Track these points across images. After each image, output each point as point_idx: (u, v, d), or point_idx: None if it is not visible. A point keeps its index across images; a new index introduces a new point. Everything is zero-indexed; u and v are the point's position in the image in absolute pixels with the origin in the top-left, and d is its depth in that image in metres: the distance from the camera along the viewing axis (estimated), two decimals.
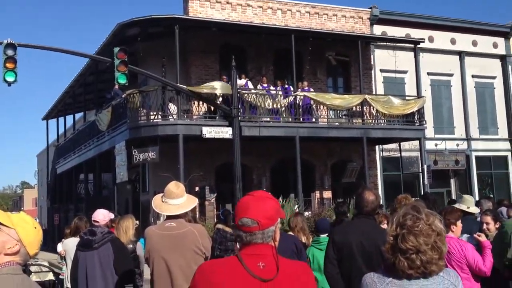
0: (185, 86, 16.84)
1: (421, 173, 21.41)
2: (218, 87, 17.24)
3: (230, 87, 16.48)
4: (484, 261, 5.06)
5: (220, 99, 17.58)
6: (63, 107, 29.18)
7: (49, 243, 24.77)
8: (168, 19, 17.71)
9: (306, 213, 16.35)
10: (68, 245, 7.18)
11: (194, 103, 18.01)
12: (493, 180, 25.92)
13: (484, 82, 26.24)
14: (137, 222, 7.72)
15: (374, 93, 22.29)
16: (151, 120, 17.27)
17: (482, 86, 26.16)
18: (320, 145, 20.68)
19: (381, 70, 23.51)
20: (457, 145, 24.63)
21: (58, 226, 27.95)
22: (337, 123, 20.13)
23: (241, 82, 18.29)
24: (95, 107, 23.47)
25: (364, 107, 19.93)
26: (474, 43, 25.76)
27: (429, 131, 23.45)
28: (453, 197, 22.53)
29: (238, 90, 16.80)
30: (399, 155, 22.03)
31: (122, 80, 13.70)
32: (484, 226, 6.42)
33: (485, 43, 25.99)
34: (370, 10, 23.38)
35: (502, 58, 26.68)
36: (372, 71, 23.21)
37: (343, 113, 20.45)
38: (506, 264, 6.04)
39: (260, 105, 18.13)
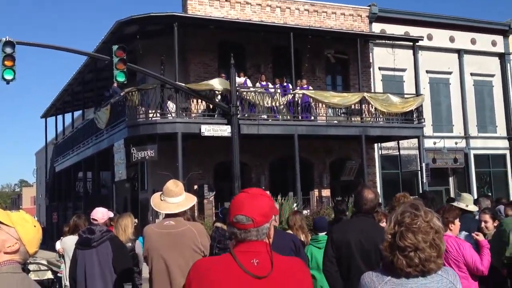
0: (184, 84, 16.83)
1: (419, 171, 21.44)
2: (216, 84, 17.24)
3: (229, 84, 16.47)
4: (482, 260, 5.07)
5: (219, 97, 17.58)
6: (62, 105, 29.16)
7: (47, 241, 24.74)
8: (166, 17, 17.70)
9: (305, 212, 16.35)
10: (67, 243, 7.18)
11: (192, 101, 18.00)
12: (492, 178, 25.95)
13: (483, 80, 26.26)
14: (136, 220, 7.72)
15: (373, 91, 22.29)
16: (150, 118, 17.27)
17: (481, 84, 26.18)
18: (319, 143, 20.69)
19: (380, 68, 23.52)
20: (456, 143, 24.65)
21: (56, 224, 27.94)
22: (335, 121, 20.14)
23: (240, 80, 18.28)
24: (93, 105, 23.46)
25: (363, 105, 19.94)
26: (473, 41, 25.77)
27: (428, 129, 23.47)
28: (452, 195, 22.57)
29: (237, 88, 16.80)
30: (398, 153, 22.05)
31: (121, 78, 13.70)
32: (483, 224, 6.43)
33: (483, 41, 26.00)
34: (369, 8, 23.38)
35: (501, 56, 26.70)
36: (371, 69, 23.22)
37: (341, 111, 20.47)
38: (504, 263, 6.05)
39: (259, 103, 18.14)
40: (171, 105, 17.24)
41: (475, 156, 25.46)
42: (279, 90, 19.02)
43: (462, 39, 25.43)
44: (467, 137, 25.20)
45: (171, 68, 17.27)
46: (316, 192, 21.33)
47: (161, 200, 4.60)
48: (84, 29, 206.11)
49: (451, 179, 25.01)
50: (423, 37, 22.73)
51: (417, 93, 21.33)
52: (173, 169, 15.84)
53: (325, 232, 6.50)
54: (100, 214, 5.98)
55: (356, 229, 4.45)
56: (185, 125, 16.94)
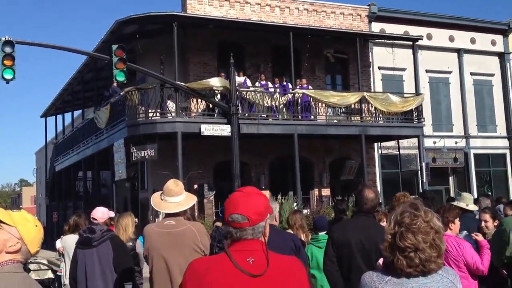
0: (183, 84, 16.83)
1: (419, 171, 21.45)
2: (216, 83, 17.24)
3: (228, 83, 16.47)
4: (482, 260, 5.07)
5: (219, 96, 17.58)
6: (62, 104, 29.15)
7: (47, 241, 24.73)
8: (166, 16, 17.69)
9: (305, 211, 16.34)
10: (67, 242, 7.18)
11: (192, 100, 18.00)
12: (492, 177, 25.96)
13: (483, 80, 26.27)
14: (136, 220, 7.71)
15: (372, 90, 22.29)
16: (150, 118, 17.27)
17: (481, 83, 26.18)
18: (319, 142, 20.69)
19: (380, 68, 23.52)
20: (456, 142, 24.65)
21: (56, 223, 27.93)
22: (335, 121, 20.14)
23: (240, 79, 18.28)
24: (93, 104, 23.45)
25: (363, 105, 19.94)
26: (473, 41, 25.77)
27: (428, 129, 23.47)
28: (452, 194, 22.58)
29: (237, 88, 16.80)
30: (398, 152, 22.05)
31: (121, 78, 13.69)
32: (483, 223, 6.43)
33: (483, 40, 26.00)
34: (368, 7, 23.37)
35: (501, 56, 26.70)
36: (371, 69, 23.22)
37: (341, 111, 20.46)
38: (504, 262, 6.05)
39: (259, 103, 18.14)
40: (170, 105, 17.24)
41: (475, 155, 25.46)
42: (278, 90, 19.02)
43: (462, 38, 25.43)
44: (467, 136, 25.20)
45: (171, 68, 17.27)
46: (316, 191, 21.33)
47: (161, 199, 4.61)
48: (84, 29, 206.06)
49: (451, 179, 25.02)
50: (422, 36, 22.74)
51: (417, 93, 21.34)
52: (173, 168, 15.84)
53: (325, 232, 6.50)
54: (100, 213, 5.98)
55: (356, 229, 4.45)
56: (185, 124, 16.94)
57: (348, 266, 4.39)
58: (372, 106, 20.03)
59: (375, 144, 22.83)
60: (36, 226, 2.34)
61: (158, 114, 17.33)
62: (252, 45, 20.50)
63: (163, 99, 17.22)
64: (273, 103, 18.55)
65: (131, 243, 6.80)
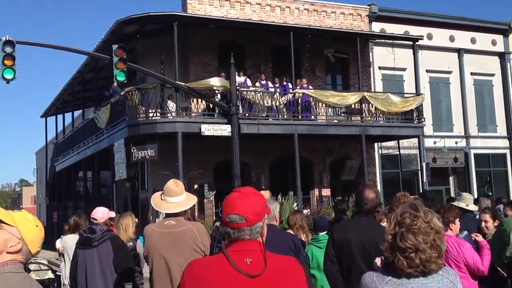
0: (183, 83, 16.82)
1: (420, 171, 21.43)
2: (216, 83, 17.23)
3: (229, 83, 16.47)
4: (482, 260, 5.07)
5: (219, 96, 17.58)
6: (62, 104, 29.16)
7: (48, 241, 24.75)
8: (166, 16, 17.69)
9: (305, 211, 16.34)
10: (67, 242, 7.17)
11: (193, 100, 18.00)
12: (492, 177, 25.95)
13: (483, 80, 26.26)
14: (136, 220, 7.71)
15: (372, 90, 22.29)
16: (150, 118, 17.27)
17: (481, 83, 26.18)
18: (319, 142, 20.69)
19: (380, 68, 23.51)
20: (456, 142, 24.64)
21: (57, 224, 27.94)
22: (336, 121, 20.13)
23: (240, 79, 18.28)
24: (93, 104, 23.45)
25: (363, 105, 19.93)
26: (473, 41, 25.76)
27: (428, 129, 23.47)
28: (452, 194, 22.57)
29: (237, 88, 16.80)
30: (398, 152, 22.04)
31: (121, 78, 13.69)
32: (483, 224, 6.43)
33: (483, 40, 25.99)
34: (368, 7, 23.37)
35: (501, 56, 26.69)
36: (371, 69, 23.21)
37: (341, 111, 20.45)
38: (505, 262, 6.04)
39: (259, 103, 18.13)
40: (171, 105, 17.24)
41: (475, 155, 25.46)
42: (278, 90, 19.02)
43: (462, 38, 25.43)
44: (467, 136, 25.20)
45: (171, 68, 17.27)
46: (316, 191, 21.33)
47: (162, 199, 4.61)
48: (84, 29, 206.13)
49: (451, 179, 25.02)
50: (423, 36, 22.73)
51: (417, 93, 21.33)
52: (173, 168, 15.83)
53: (325, 232, 6.50)
54: (100, 213, 5.98)
55: (357, 229, 4.45)
56: (185, 124, 16.94)
57: (348, 266, 4.39)
58: (372, 106, 20.02)
59: (375, 144, 22.82)
60: (37, 226, 2.34)
61: (158, 114, 17.33)
62: (253, 45, 20.50)
63: (164, 99, 17.22)
64: (273, 103, 18.55)
65: (131, 243, 6.80)
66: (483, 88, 26.27)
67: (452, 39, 25.24)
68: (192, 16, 19.10)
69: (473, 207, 7.13)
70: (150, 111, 17.29)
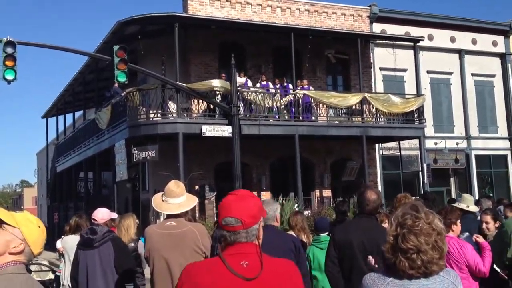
0: (184, 84, 16.83)
1: (420, 172, 21.41)
2: (217, 85, 17.24)
3: (229, 85, 16.47)
4: (483, 262, 5.07)
5: (220, 97, 17.57)
6: (63, 105, 29.17)
7: (48, 241, 24.75)
8: (167, 17, 17.70)
9: (306, 212, 16.35)
10: (67, 243, 7.17)
11: (193, 101, 18.00)
12: (493, 178, 25.93)
13: (484, 81, 26.25)
14: (137, 221, 7.70)
15: (373, 91, 22.29)
16: (151, 119, 17.27)
17: (482, 84, 26.16)
18: (320, 143, 20.68)
19: (381, 68, 23.51)
20: (457, 143, 24.63)
21: (57, 224, 27.94)
22: (336, 122, 20.13)
23: (241, 80, 18.27)
24: (94, 105, 23.46)
25: (364, 106, 19.93)
26: (474, 42, 25.76)
27: (429, 130, 23.46)
28: (453, 196, 22.55)
29: (238, 88, 16.80)
30: (399, 153, 22.03)
31: (122, 78, 13.70)
32: (484, 225, 6.42)
33: (484, 41, 25.99)
34: (369, 8, 23.36)
35: (502, 56, 26.69)
36: (372, 69, 23.21)
37: (342, 112, 20.45)
38: (506, 264, 6.04)
39: (260, 104, 18.13)
40: (172, 106, 17.24)
41: (476, 156, 25.44)
42: (279, 91, 19.02)
43: (463, 39, 25.42)
44: (468, 137, 25.18)
45: (172, 68, 17.27)
46: (317, 192, 21.31)
47: (163, 200, 4.61)
48: (84, 29, 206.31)
49: (452, 180, 25.00)
50: (423, 37, 22.72)
51: (418, 94, 21.32)
52: (174, 169, 15.83)
53: (327, 233, 6.49)
54: (100, 214, 5.98)
55: (358, 230, 4.45)
56: (186, 125, 16.94)
57: (350, 267, 4.39)
58: (373, 107, 20.02)
59: (376, 145, 22.81)
60: (39, 227, 2.34)
61: (159, 115, 17.33)
62: (253, 46, 20.50)
63: (164, 100, 17.22)
64: (274, 104, 18.54)
65: (133, 244, 6.80)
66: (484, 89, 26.26)
67: (453, 40, 25.23)
68: (193, 17, 19.11)
69: (473, 208, 7.13)
70: (151, 112, 17.29)
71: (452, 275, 2.48)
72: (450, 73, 25.38)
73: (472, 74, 25.81)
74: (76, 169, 26.11)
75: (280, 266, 2.38)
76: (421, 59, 23.54)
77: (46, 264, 11.56)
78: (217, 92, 17.46)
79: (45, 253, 16.23)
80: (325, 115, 19.82)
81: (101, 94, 22.83)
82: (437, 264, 2.38)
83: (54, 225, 29.15)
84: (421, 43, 22.61)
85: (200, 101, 17.79)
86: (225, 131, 16.52)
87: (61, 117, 31.00)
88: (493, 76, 26.50)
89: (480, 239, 5.55)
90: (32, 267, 10.62)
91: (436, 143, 24.03)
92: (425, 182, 20.95)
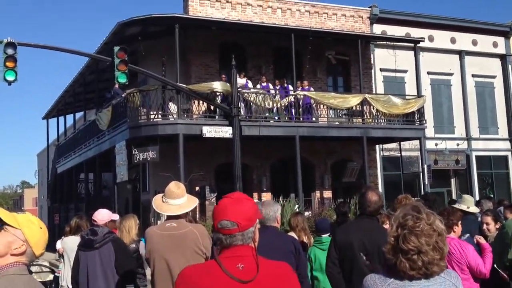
0: (185, 85, 16.83)
1: (421, 173, 21.39)
2: (218, 87, 17.25)
3: (230, 87, 16.47)
4: (484, 263, 5.07)
5: (220, 98, 17.56)
6: (64, 106, 29.18)
7: (49, 242, 24.72)
8: (168, 18, 17.70)
9: (307, 213, 16.33)
10: (67, 243, 7.16)
11: (194, 102, 18.00)
12: (494, 179, 25.92)
13: (484, 82, 26.24)
14: (138, 221, 7.70)
15: (374, 92, 22.29)
16: (151, 120, 17.27)
17: (482, 85, 26.16)
18: (320, 144, 20.68)
19: (381, 69, 23.51)
20: (457, 144, 24.62)
21: (58, 225, 27.94)
22: (337, 123, 20.12)
23: (241, 81, 18.27)
24: (95, 106, 23.47)
25: (364, 107, 19.92)
26: (474, 42, 25.76)
27: (429, 131, 23.45)
28: (454, 197, 22.54)
29: (238, 90, 16.80)
30: (399, 154, 22.03)
31: (122, 79, 13.70)
32: (484, 226, 6.42)
33: (485, 42, 25.99)
34: (370, 9, 23.37)
35: (502, 58, 26.69)
36: (372, 70, 23.21)
37: (343, 113, 20.45)
38: (506, 265, 6.03)
39: (260, 105, 18.13)
40: (172, 107, 17.25)
41: (477, 157, 25.43)
42: (279, 92, 19.02)
43: (463, 40, 25.43)
44: (468, 138, 25.18)
45: (172, 69, 17.28)
46: (317, 193, 21.31)
47: (163, 202, 4.61)
48: (85, 29, 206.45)
49: (452, 181, 24.99)
50: (424, 38, 22.72)
51: (419, 95, 21.31)
52: (174, 170, 15.83)
53: (328, 234, 6.49)
54: (100, 215, 5.99)
55: (359, 231, 4.45)
56: (187, 126, 16.94)
57: (350, 268, 4.39)
58: (373, 108, 20.01)
59: (377, 146, 22.81)
60: (41, 228, 2.35)
61: (159, 116, 17.33)
62: (254, 47, 20.51)
63: (165, 101, 17.22)
64: (274, 105, 18.54)
65: (134, 245, 6.80)
66: (485, 90, 26.26)
67: (453, 41, 25.24)
68: (193, 18, 19.12)
69: (474, 209, 7.13)
70: (151, 113, 17.29)
71: (453, 276, 2.48)
72: (451, 74, 25.39)
73: (473, 75, 25.81)
74: (76, 170, 26.12)
75: (276, 268, 2.38)
76: (422, 60, 23.55)
77: (46, 265, 11.56)
78: (218, 93, 17.47)
79: (45, 254, 16.25)
80: (326, 116, 19.82)
81: (101, 95, 22.84)
82: (438, 265, 2.38)
83: (54, 226, 29.14)
84: (421, 44, 22.62)
85: (201, 102, 17.80)
86: (226, 132, 16.52)
87: (61, 118, 31.01)
88: (494, 77, 26.50)
89: (482, 241, 5.55)
90: (33, 268, 10.62)
91: (436, 144, 24.02)
92: (426, 183, 20.95)
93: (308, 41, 19.46)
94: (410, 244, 2.36)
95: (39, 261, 11.16)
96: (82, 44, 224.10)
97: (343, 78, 23.13)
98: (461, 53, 25.50)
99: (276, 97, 18.67)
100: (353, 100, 19.63)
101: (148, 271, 5.10)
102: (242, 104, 17.61)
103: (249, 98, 18.13)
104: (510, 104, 26.46)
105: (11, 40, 12.86)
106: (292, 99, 18.84)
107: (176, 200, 4.56)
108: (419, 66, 22.23)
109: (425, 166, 21.10)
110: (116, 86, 17.42)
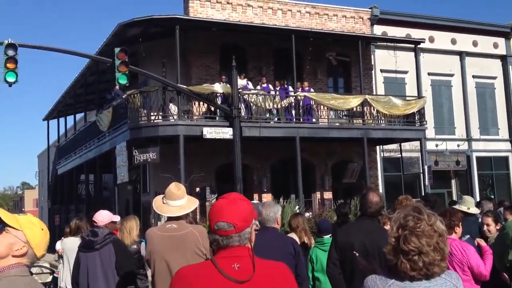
0: (185, 87, 16.84)
1: (421, 174, 21.39)
2: (218, 89, 17.27)
3: (230, 88, 16.48)
4: (485, 265, 5.06)
5: (220, 99, 17.57)
6: (64, 107, 29.19)
7: (49, 243, 24.71)
8: (168, 20, 17.71)
9: (307, 214, 16.33)
10: (67, 244, 7.17)
11: (194, 103, 18.01)
12: (494, 180, 25.91)
13: (485, 82, 26.24)
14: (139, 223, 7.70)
15: (374, 93, 22.28)
16: (152, 121, 17.28)
17: (483, 86, 26.16)
18: (321, 145, 20.67)
19: (382, 70, 23.51)
20: (458, 145, 24.61)
21: (58, 227, 27.93)
22: (337, 124, 20.12)
23: (241, 82, 18.28)
24: (95, 107, 23.48)
25: (365, 108, 19.92)
26: (475, 43, 25.76)
27: (430, 132, 23.44)
28: (454, 198, 22.52)
29: (239, 91, 16.80)
30: (400, 155, 22.03)
31: (123, 81, 13.70)
32: (485, 227, 6.42)
33: (485, 43, 25.99)
34: (370, 10, 23.37)
35: (503, 58, 26.68)
36: (373, 71, 23.21)
37: (343, 114, 20.44)
38: (507, 266, 6.03)
39: (261, 106, 18.13)
40: (172, 108, 17.25)
41: (477, 158, 25.42)
42: (280, 93, 19.02)
43: (464, 41, 25.42)
44: (469, 139, 25.17)
45: (173, 71, 17.28)
46: (318, 194, 21.30)
47: (163, 203, 4.61)
48: (85, 30, 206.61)
49: (453, 182, 24.98)
50: (424, 39, 22.72)
51: (419, 96, 21.31)
52: (175, 171, 15.84)
53: (329, 235, 6.48)
54: (101, 217, 5.99)
55: (360, 232, 4.45)
56: (187, 127, 16.95)
57: (351, 269, 4.39)
58: (374, 109, 20.01)
59: (377, 147, 22.80)
60: (42, 229, 2.35)
61: (160, 117, 17.33)
62: (254, 48, 20.51)
63: (165, 102, 17.23)
64: (275, 106, 18.55)
65: (135, 246, 6.80)
66: (485, 91, 26.25)
67: (454, 42, 25.24)
68: (194, 19, 19.12)
69: (474, 210, 7.12)
70: (152, 114, 17.31)
71: (454, 277, 2.47)
72: (451, 75, 25.39)
73: (473, 76, 25.81)
74: (77, 171, 26.12)
75: (273, 269, 2.37)
76: (422, 61, 23.55)
77: (47, 267, 11.57)
78: (218, 95, 17.48)
79: (46, 255, 16.26)
80: (326, 117, 19.81)
81: (102, 96, 22.83)
82: (438, 266, 2.38)
83: (55, 227, 29.13)
84: (422, 45, 22.61)
85: (201, 103, 17.81)
86: (226, 133, 16.52)
87: (62, 119, 31.03)
88: (494, 78, 26.50)
89: (483, 243, 5.55)
90: (33, 269, 10.62)
91: (437, 145, 24.01)
92: (426, 184, 20.94)
93: (308, 42, 19.46)
94: (411, 245, 2.36)
95: (40, 262, 11.16)
96: (82, 45, 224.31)
97: (344, 79, 23.13)
98: (461, 54, 25.50)
99: (277, 98, 18.67)
100: (353, 101, 19.63)
101: (149, 272, 5.10)
102: (243, 105, 17.61)
103: (250, 99, 18.13)
104: (511, 105, 26.45)
105: (12, 42, 12.86)
106: (293, 100, 18.85)
107: (176, 201, 4.56)
108: (420, 67, 22.23)
109: (426, 167, 21.09)
110: (117, 87, 17.43)
